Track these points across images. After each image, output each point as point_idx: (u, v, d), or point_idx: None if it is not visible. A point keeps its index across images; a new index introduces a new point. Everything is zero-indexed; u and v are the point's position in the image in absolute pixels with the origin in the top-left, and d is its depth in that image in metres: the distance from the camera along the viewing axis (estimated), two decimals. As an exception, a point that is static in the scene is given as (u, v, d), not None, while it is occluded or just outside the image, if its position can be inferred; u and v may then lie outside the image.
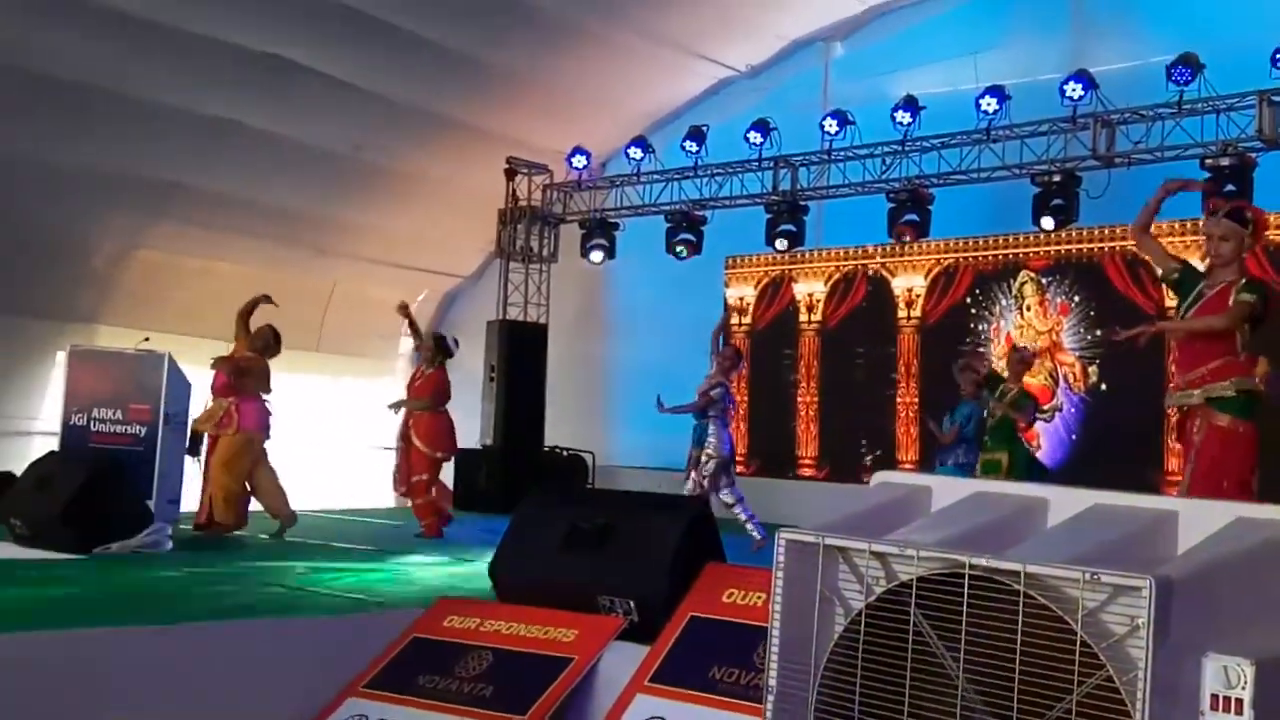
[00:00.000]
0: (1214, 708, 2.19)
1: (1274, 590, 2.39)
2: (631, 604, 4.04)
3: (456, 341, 9.51)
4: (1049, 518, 2.66)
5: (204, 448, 8.11)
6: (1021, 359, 8.97)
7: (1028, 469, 8.42)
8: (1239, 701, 2.17)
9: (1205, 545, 2.41)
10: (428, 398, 8.87)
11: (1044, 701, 2.26)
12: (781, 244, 11.09)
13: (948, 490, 2.87)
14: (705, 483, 8.60)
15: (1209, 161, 8.91)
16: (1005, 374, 8.86)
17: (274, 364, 8.80)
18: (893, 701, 2.45)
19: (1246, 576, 2.35)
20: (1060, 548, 2.37)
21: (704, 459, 8.71)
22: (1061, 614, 2.23)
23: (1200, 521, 2.49)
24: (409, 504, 9.03)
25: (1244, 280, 5.31)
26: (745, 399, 12.72)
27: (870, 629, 2.51)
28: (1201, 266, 5.78)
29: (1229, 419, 5.10)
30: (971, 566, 2.34)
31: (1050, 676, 2.25)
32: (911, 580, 2.45)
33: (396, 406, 9.05)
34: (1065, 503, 2.67)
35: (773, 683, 2.62)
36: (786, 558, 2.62)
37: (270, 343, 8.50)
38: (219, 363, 8.27)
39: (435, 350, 9.09)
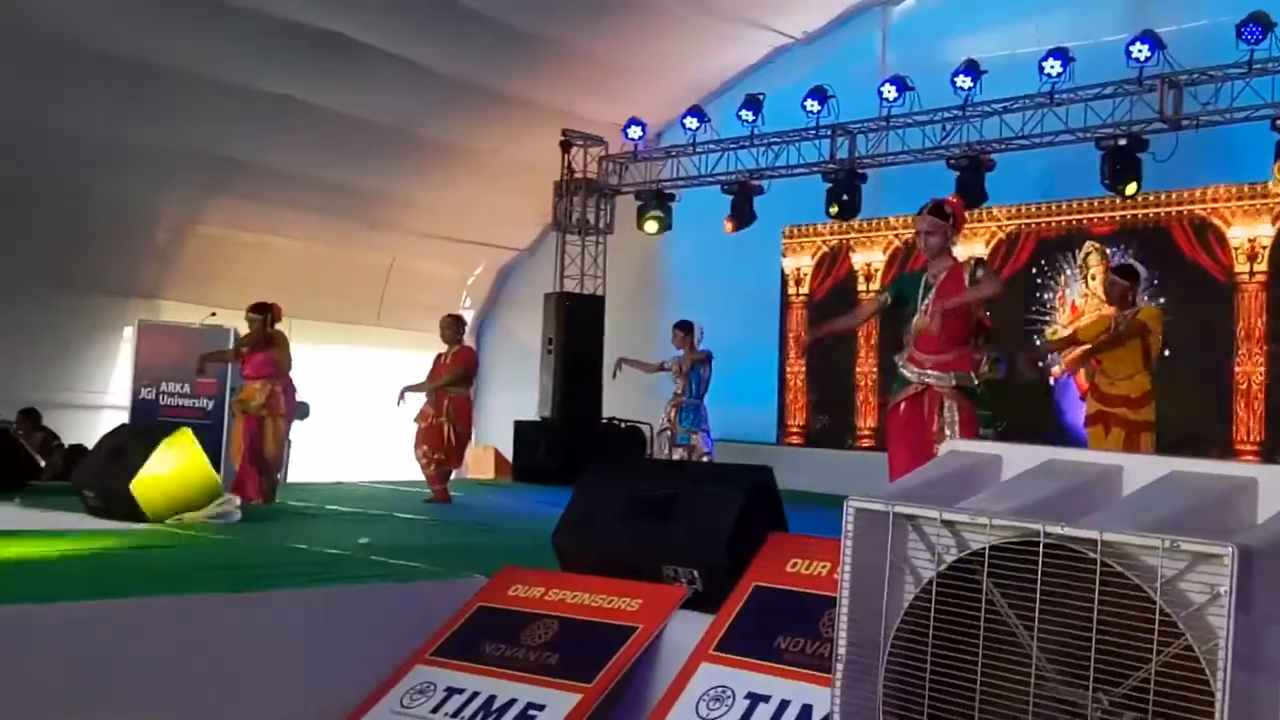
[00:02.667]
0: (1297, 677, 2.15)
1: (1359, 558, 2.32)
2: (695, 573, 4.04)
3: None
4: (1124, 485, 2.61)
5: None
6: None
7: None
8: (1323, 671, 2.13)
9: (1287, 513, 2.35)
10: (463, 367, 8.86)
11: (1120, 671, 2.23)
12: (834, 209, 11.01)
13: (1019, 458, 2.83)
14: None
15: (1279, 122, 8.68)
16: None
17: (335, 338, 8.93)
18: (965, 672, 2.42)
19: (1331, 544, 2.29)
20: (1137, 515, 2.33)
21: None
22: (1139, 582, 2.20)
23: (1282, 488, 2.43)
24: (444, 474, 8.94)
25: (972, 260, 6.04)
26: (803, 370, 12.67)
27: (941, 598, 2.49)
28: None
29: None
30: (1046, 534, 2.31)
31: (1127, 646, 2.21)
32: (984, 549, 2.43)
33: (420, 390, 8.91)
34: (1141, 470, 2.62)
35: (842, 651, 2.61)
36: (856, 526, 2.61)
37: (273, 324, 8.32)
38: (247, 346, 8.16)
39: (456, 328, 9.10)
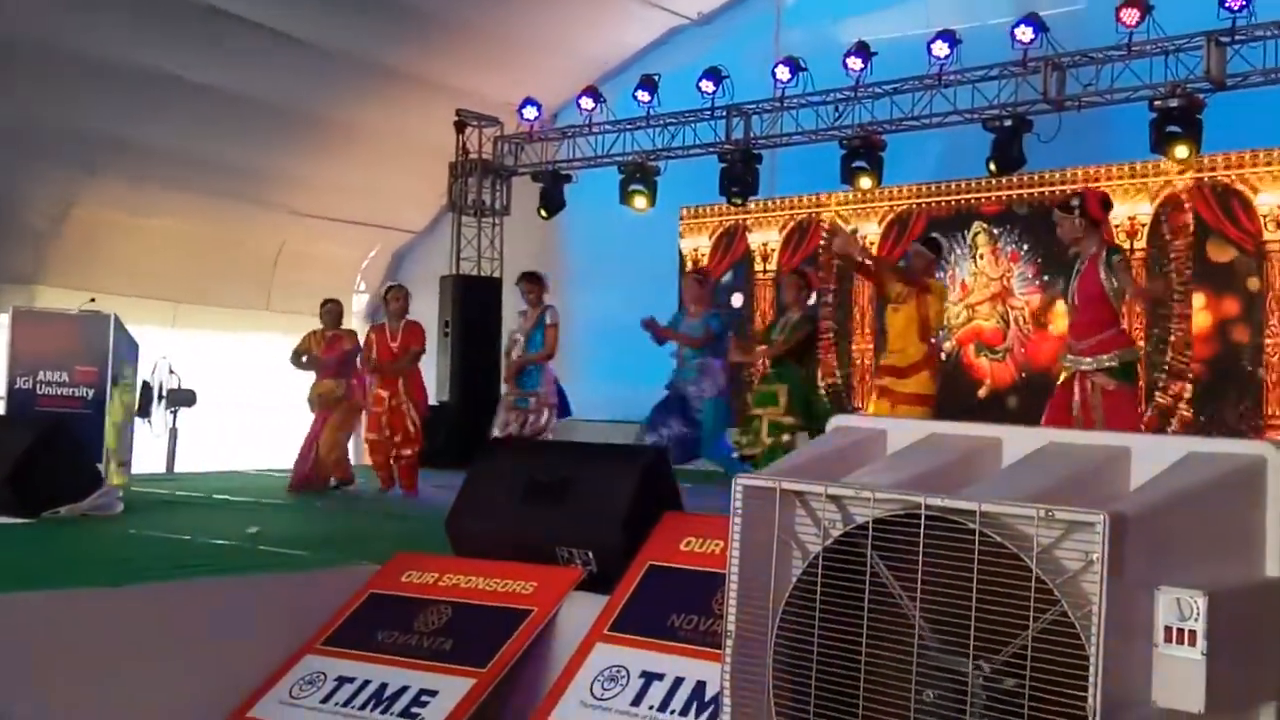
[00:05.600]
0: (1168, 640, 2.21)
1: (1225, 523, 2.41)
2: (590, 554, 4.03)
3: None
4: (1004, 457, 2.66)
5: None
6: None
7: (808, 406, 7.74)
8: (1192, 633, 2.19)
9: (1158, 481, 2.42)
10: (420, 346, 8.60)
11: (1000, 639, 2.27)
12: (734, 191, 11.09)
13: (903, 433, 2.87)
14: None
15: (1158, 103, 8.95)
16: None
17: (222, 323, 8.75)
18: (850, 643, 2.45)
19: (1198, 510, 2.37)
20: (1015, 486, 2.38)
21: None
22: (1017, 551, 2.24)
23: (1152, 457, 2.50)
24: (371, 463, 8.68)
25: (1105, 249, 6.14)
26: (702, 350, 12.72)
27: (828, 572, 2.51)
28: None
29: None
30: (927, 507, 2.35)
31: (1006, 614, 2.25)
32: (868, 522, 2.45)
33: (384, 371, 8.46)
34: (1019, 442, 2.68)
35: (731, 626, 2.62)
36: (744, 502, 2.61)
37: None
38: (329, 344, 8.79)
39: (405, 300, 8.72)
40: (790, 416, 7.60)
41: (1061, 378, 6.20)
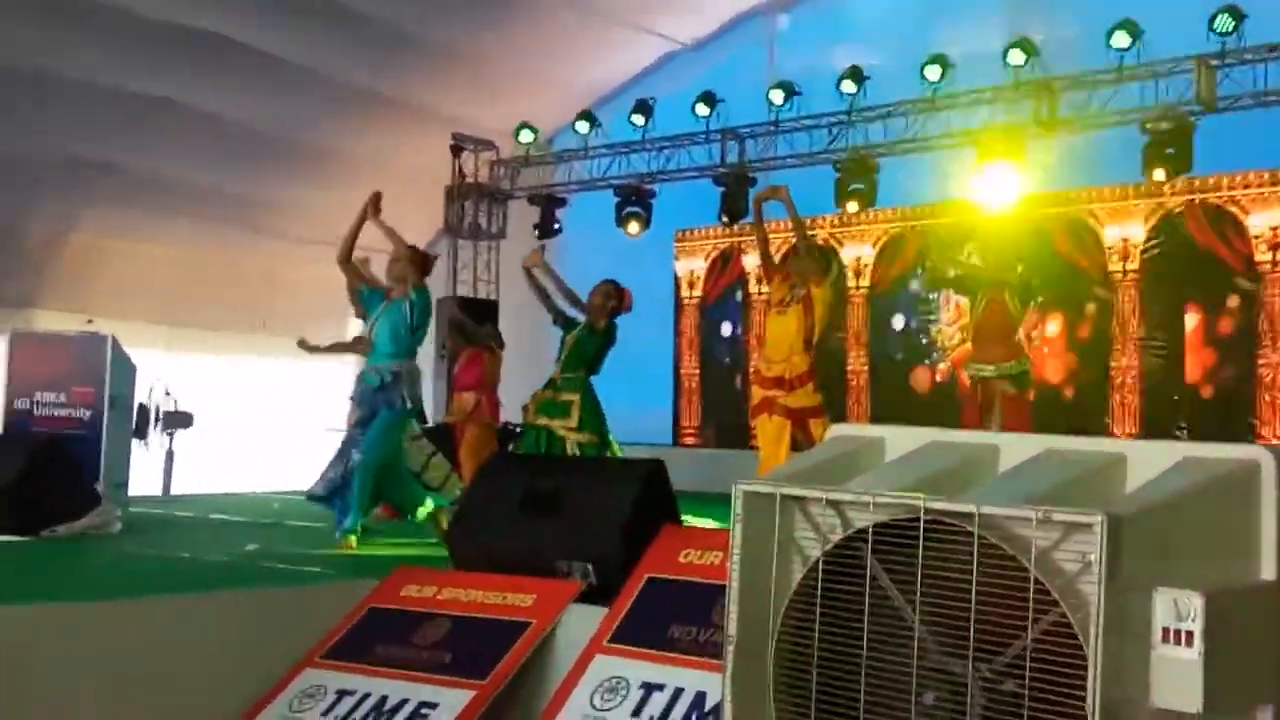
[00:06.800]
0: (1165, 640, 2.22)
1: (1221, 526, 2.43)
2: (589, 567, 4.04)
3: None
4: (1001, 463, 2.69)
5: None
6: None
7: (604, 432, 7.31)
8: (1189, 634, 2.21)
9: (1154, 484, 2.44)
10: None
11: (999, 642, 2.29)
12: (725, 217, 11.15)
13: (902, 441, 2.89)
14: None
15: (1149, 126, 9.04)
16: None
17: (217, 346, 8.72)
18: (851, 648, 2.47)
19: (1194, 513, 2.39)
20: (1013, 489, 2.40)
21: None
22: (1015, 554, 2.26)
23: (1149, 462, 2.52)
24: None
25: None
26: (697, 371, 12.77)
27: (828, 578, 2.53)
28: None
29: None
30: (926, 511, 2.37)
31: (1006, 618, 2.27)
32: (868, 527, 2.47)
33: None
34: (1017, 448, 2.70)
35: (732, 633, 2.63)
36: (744, 509, 2.63)
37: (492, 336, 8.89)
38: (469, 360, 8.70)
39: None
40: (585, 432, 7.09)
41: (969, 384, 6.95)
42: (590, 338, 7.37)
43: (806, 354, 6.62)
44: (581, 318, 7.51)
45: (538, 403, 7.31)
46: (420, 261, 6.57)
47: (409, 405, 6.22)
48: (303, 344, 7.46)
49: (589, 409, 7.17)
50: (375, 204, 6.48)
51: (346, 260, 6.55)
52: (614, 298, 7.50)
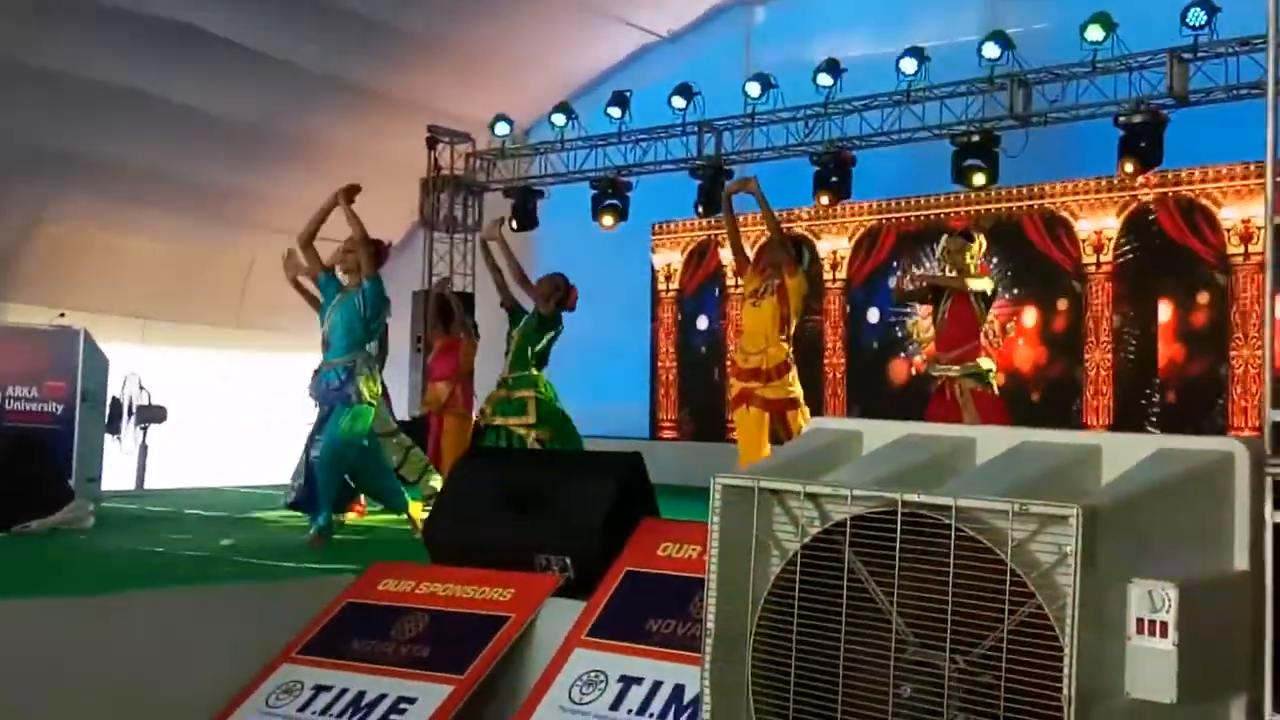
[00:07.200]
0: (1140, 631, 2.25)
1: (1195, 517, 2.45)
2: (568, 561, 4.04)
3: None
4: (978, 456, 2.70)
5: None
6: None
7: (563, 421, 7.21)
8: (1164, 625, 2.23)
9: (1129, 476, 2.46)
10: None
11: (976, 634, 2.30)
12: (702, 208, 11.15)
13: (878, 434, 2.90)
14: None
15: (1122, 119, 9.09)
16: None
17: (193, 339, 8.65)
18: (829, 641, 2.48)
19: (1169, 504, 2.41)
20: (990, 482, 2.42)
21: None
22: (992, 546, 2.28)
23: (1124, 454, 2.54)
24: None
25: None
26: (675, 365, 12.79)
27: (806, 570, 2.54)
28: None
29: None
30: (904, 503, 2.38)
31: (983, 609, 2.29)
32: (845, 520, 2.48)
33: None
34: (993, 441, 2.72)
35: (710, 625, 2.64)
36: (723, 502, 2.64)
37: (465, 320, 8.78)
38: (443, 349, 8.60)
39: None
40: (542, 427, 7.00)
41: (935, 384, 7.00)
42: (538, 328, 7.29)
43: (783, 345, 6.58)
44: (529, 306, 7.40)
45: (492, 403, 7.26)
46: (374, 250, 6.41)
47: (364, 398, 6.16)
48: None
49: (543, 403, 7.11)
50: (350, 194, 6.34)
51: (308, 244, 6.40)
52: (561, 289, 7.43)
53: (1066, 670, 2.17)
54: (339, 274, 6.43)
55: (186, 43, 10.20)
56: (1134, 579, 2.27)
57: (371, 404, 6.25)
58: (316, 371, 6.33)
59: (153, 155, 11.14)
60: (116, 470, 9.41)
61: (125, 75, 10.33)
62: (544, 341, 7.29)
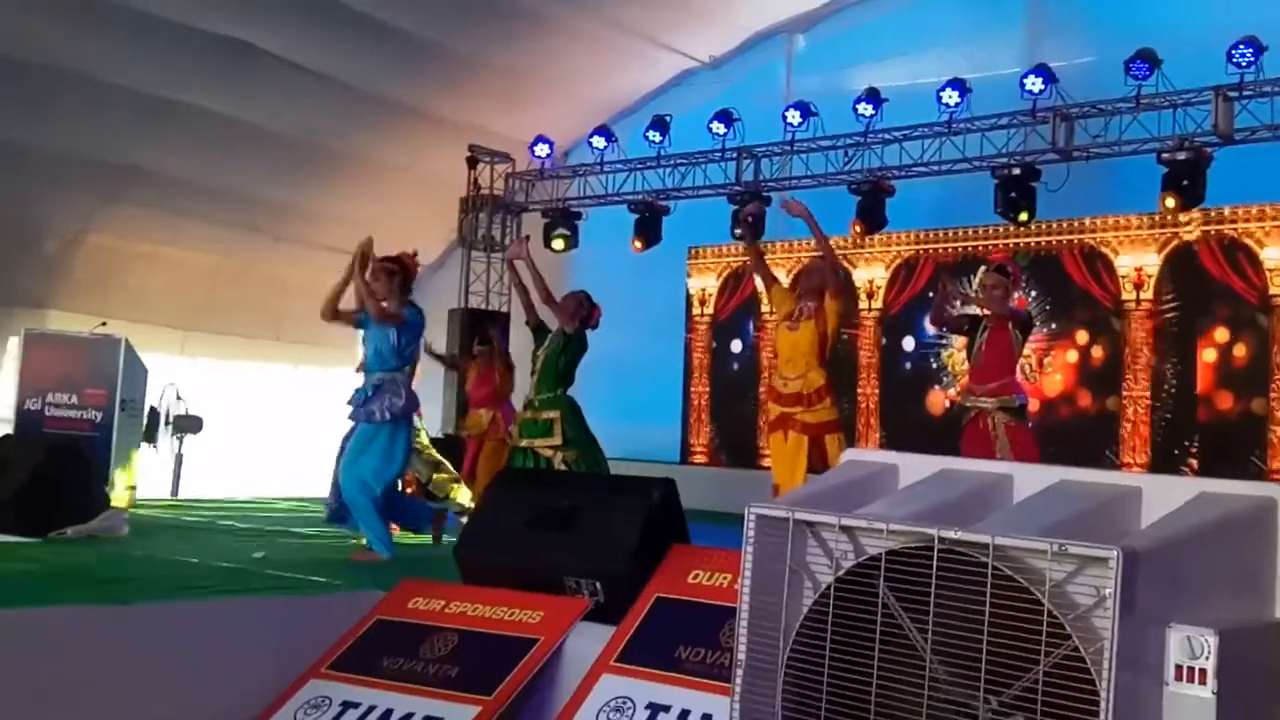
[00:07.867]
0: (1179, 678, 2.22)
1: (1236, 563, 2.42)
2: (598, 585, 4.03)
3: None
4: (1015, 493, 2.68)
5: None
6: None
7: (590, 442, 7.16)
8: (1203, 672, 2.20)
9: (1169, 519, 2.44)
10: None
11: (1011, 674, 2.27)
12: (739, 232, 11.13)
13: (914, 467, 2.89)
14: None
15: (1165, 156, 9.03)
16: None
17: (232, 352, 8.73)
18: (861, 675, 2.46)
19: (1209, 549, 2.38)
20: (1028, 521, 2.39)
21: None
22: (1029, 585, 2.25)
23: (1164, 496, 2.52)
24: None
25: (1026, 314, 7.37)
26: (708, 390, 12.76)
27: (839, 603, 2.52)
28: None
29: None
30: (941, 540, 2.36)
31: (1017, 649, 2.26)
32: (880, 554, 2.46)
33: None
34: (1031, 479, 2.69)
35: (741, 656, 2.63)
36: (756, 532, 2.63)
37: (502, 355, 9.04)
38: (482, 375, 8.80)
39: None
40: (570, 449, 6.93)
41: (969, 415, 6.89)
42: (563, 347, 7.22)
43: (822, 369, 6.58)
44: (553, 325, 7.37)
45: (519, 425, 7.25)
46: (401, 276, 6.50)
47: (388, 416, 6.18)
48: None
49: (571, 424, 7.05)
50: (365, 259, 6.31)
51: (333, 317, 6.47)
52: (585, 306, 7.38)
53: (1103, 715, 2.14)
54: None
55: (234, 57, 10.35)
56: (1173, 624, 2.24)
57: (399, 420, 6.27)
58: (356, 390, 6.39)
59: (197, 168, 11.30)
60: (152, 479, 9.51)
61: (172, 89, 10.49)
62: (569, 359, 7.25)
